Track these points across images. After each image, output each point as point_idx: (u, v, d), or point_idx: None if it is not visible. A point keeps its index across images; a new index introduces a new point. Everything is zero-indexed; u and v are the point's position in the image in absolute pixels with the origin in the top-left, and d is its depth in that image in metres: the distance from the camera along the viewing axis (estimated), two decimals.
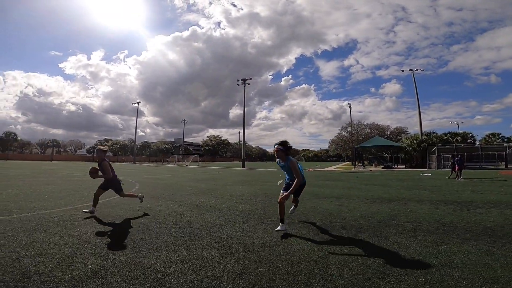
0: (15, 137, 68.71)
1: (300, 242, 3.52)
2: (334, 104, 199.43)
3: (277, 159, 4.20)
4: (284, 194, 3.95)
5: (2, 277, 2.38)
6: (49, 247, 3.18)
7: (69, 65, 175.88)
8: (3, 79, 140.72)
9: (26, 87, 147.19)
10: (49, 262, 2.72)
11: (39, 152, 73.80)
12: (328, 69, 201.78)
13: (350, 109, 48.61)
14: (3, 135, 66.35)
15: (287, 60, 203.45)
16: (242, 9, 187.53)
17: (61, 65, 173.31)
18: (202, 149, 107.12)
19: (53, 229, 3.91)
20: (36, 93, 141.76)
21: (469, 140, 37.80)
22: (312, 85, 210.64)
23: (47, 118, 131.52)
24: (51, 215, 4.82)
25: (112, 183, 5.24)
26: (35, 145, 75.27)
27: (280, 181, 4.56)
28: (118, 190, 5.33)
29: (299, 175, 3.98)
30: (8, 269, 2.55)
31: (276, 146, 4.05)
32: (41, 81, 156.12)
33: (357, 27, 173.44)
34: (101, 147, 5.26)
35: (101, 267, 2.62)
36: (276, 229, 3.96)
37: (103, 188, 5.20)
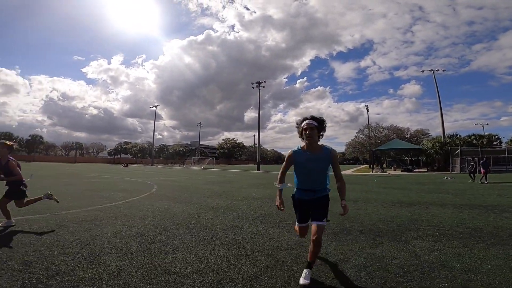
0: (41, 139, 72.12)
1: None
2: (350, 106, 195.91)
3: (293, 151, 2.63)
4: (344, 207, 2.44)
5: (26, 275, 2.47)
6: (72, 246, 3.29)
7: (91, 69, 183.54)
8: (29, 84, 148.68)
9: (51, 91, 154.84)
10: (71, 261, 2.80)
11: (64, 154, 77.21)
12: (344, 70, 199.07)
13: (368, 111, 47.29)
14: (30, 138, 69.79)
15: (302, 62, 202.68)
16: (255, 12, 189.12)
17: (83, 70, 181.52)
18: (218, 152, 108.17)
19: (76, 229, 4.05)
20: (60, 97, 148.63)
21: (494, 143, 35.94)
22: (328, 87, 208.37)
23: (70, 121, 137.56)
24: (74, 215, 5.01)
25: (15, 189, 4.19)
26: (59, 147, 78.79)
27: (278, 184, 2.73)
28: (19, 198, 4.25)
29: (341, 174, 2.59)
30: (32, 267, 2.64)
31: (307, 121, 2.49)
32: (65, 85, 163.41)
33: (372, 27, 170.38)
34: (4, 141, 4.17)
35: (120, 267, 2.68)
36: (300, 282, 2.36)
37: (8, 197, 4.18)
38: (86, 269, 2.62)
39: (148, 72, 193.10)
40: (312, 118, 2.52)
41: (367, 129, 51.63)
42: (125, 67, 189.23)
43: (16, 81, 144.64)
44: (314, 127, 2.46)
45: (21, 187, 4.22)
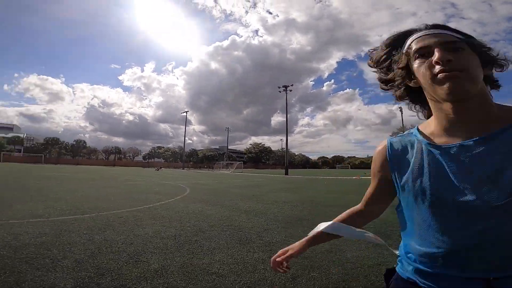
0: (84, 144, 77.88)
1: (353, 249, 3.40)
2: (382, 109, 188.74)
3: (391, 140, 0.82)
4: None
5: (79, 273, 2.59)
6: (118, 245, 3.48)
7: (127, 77, 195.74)
8: (73, 92, 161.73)
9: (92, 98, 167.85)
10: (118, 260, 2.94)
11: (104, 158, 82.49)
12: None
13: (402, 113, 44.89)
14: (74, 143, 75.56)
15: (328, 64, 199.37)
16: (278, 16, 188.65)
17: (120, 78, 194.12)
18: (246, 156, 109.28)
19: (120, 229, 4.33)
20: (100, 104, 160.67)
21: None
22: (357, 89, 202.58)
23: (110, 127, 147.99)
24: (117, 215, 5.35)
25: None
26: (100, 151, 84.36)
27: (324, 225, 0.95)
28: None
29: None
30: (83, 265, 2.78)
31: (433, 32, 0.67)
32: (104, 93, 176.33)
33: (402, 26, 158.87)
34: None
35: (162, 267, 2.80)
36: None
37: None
38: (132, 268, 2.75)
39: (178, 78, 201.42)
40: (439, 26, 0.70)
41: (401, 132, 48.95)
42: (157, 74, 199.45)
43: (61, 89, 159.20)
44: (457, 40, 0.65)
45: None
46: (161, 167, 50.52)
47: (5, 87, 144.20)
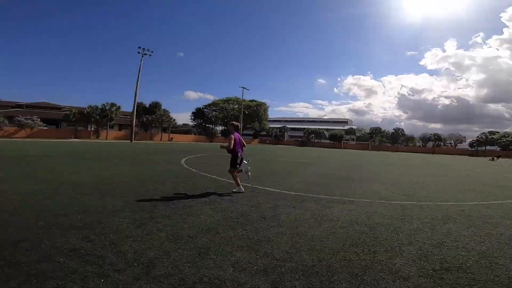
0: (402, 132, 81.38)
1: None
2: None
3: None
4: None
5: (423, 263, 2.56)
6: (465, 241, 3.26)
7: (428, 61, 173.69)
8: (382, 85, 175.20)
9: (400, 88, 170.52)
10: (466, 257, 2.77)
11: (421, 146, 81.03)
12: None
13: None
14: (394, 131, 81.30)
15: None
16: None
17: (421, 63, 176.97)
18: None
19: (464, 223, 4.03)
20: (409, 92, 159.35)
21: None
22: None
23: (423, 113, 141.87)
24: (458, 208, 5.04)
25: (230, 158, 5.46)
26: (417, 139, 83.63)
27: None
28: (230, 165, 5.46)
29: None
30: (427, 256, 2.74)
31: None
32: (410, 80, 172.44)
33: None
34: (233, 122, 5.84)
35: None
36: None
37: (230, 165, 5.50)
38: (483, 268, 2.51)
39: (497, 49, 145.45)
40: None
41: None
42: (464, 51, 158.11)
43: (372, 84, 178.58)
44: None
45: (233, 158, 5.45)
46: (498, 156, 39.80)
47: (335, 90, 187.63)
